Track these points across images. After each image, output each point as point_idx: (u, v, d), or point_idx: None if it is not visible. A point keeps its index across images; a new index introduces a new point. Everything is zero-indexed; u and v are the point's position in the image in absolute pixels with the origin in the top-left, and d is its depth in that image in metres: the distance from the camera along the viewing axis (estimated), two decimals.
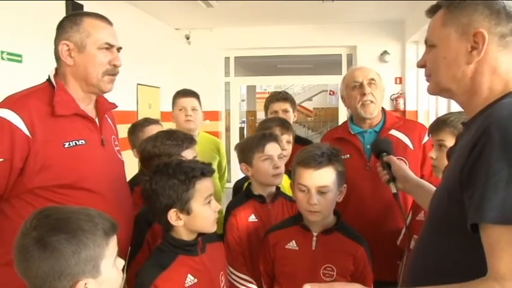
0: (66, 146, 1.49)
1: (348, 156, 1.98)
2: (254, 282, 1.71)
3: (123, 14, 6.19)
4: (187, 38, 8.04)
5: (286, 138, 2.19)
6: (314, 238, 1.56)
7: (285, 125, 2.21)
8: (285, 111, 2.61)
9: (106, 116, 1.73)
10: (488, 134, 0.87)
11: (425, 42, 1.12)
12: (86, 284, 0.97)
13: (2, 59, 3.96)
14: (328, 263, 1.52)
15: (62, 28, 1.56)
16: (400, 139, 1.99)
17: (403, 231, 1.82)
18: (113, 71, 1.61)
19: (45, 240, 0.94)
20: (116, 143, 1.75)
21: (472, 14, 1.01)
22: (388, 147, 1.73)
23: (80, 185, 1.51)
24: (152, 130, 2.22)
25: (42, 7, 3.95)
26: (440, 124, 1.66)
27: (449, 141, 1.60)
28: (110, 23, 1.63)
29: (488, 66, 1.00)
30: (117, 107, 1.78)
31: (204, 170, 1.42)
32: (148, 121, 2.51)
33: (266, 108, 2.74)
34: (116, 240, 1.05)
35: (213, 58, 8.18)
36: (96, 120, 1.64)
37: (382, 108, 2.11)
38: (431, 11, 1.11)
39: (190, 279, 1.37)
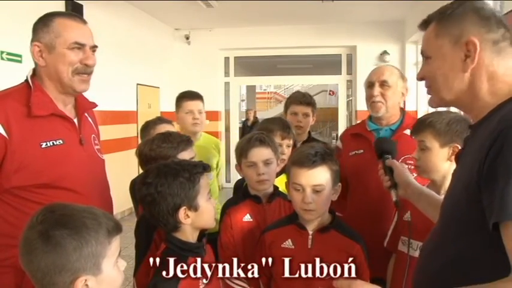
0: (43, 146, 1.50)
1: (362, 151, 2.08)
2: (246, 282, 1.71)
3: (123, 14, 6.19)
4: (187, 38, 8.05)
5: (287, 142, 2.19)
6: (310, 236, 1.57)
7: (286, 130, 2.20)
8: (306, 115, 2.60)
9: (86, 115, 1.74)
10: (506, 134, 0.88)
11: (422, 54, 1.15)
12: (85, 280, 0.98)
13: (2, 59, 3.96)
14: (324, 261, 1.52)
15: (35, 29, 1.57)
16: (413, 139, 2.03)
17: (390, 232, 1.82)
18: (83, 70, 1.58)
19: (49, 234, 0.96)
20: (96, 141, 1.75)
21: (462, 23, 1.03)
22: (391, 148, 1.67)
23: (59, 185, 1.52)
24: (163, 129, 2.21)
25: (42, 7, 3.95)
26: (420, 125, 1.67)
27: (430, 142, 1.63)
28: (83, 22, 1.61)
29: (485, 72, 1.02)
30: (97, 106, 1.78)
31: (204, 165, 1.45)
32: (160, 120, 2.52)
33: (286, 107, 2.72)
34: (118, 240, 1.06)
35: (213, 58, 8.20)
36: (75, 120, 1.65)
37: (401, 108, 2.17)
38: (424, 25, 1.13)
39: (202, 280, 1.38)
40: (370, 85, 2.11)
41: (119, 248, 1.07)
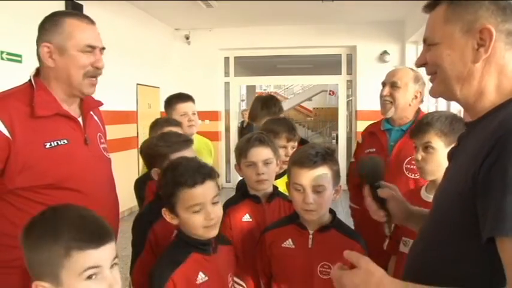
0: (47, 146, 1.49)
1: (374, 150, 2.21)
2: (243, 284, 1.72)
3: (123, 14, 6.19)
4: (187, 38, 8.05)
5: (292, 144, 2.18)
6: (310, 236, 1.56)
7: (291, 132, 2.20)
8: None
9: (92, 113, 1.72)
10: (503, 144, 0.84)
11: (424, 41, 1.07)
12: (37, 285, 0.98)
13: (2, 59, 3.96)
14: (325, 261, 1.52)
15: (43, 29, 1.54)
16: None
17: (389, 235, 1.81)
18: (94, 73, 1.56)
19: (24, 234, 1.02)
20: (102, 140, 1.74)
21: (477, 10, 0.96)
22: (378, 171, 1.40)
23: (64, 185, 1.50)
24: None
25: (42, 7, 3.96)
26: (424, 126, 1.66)
27: (435, 143, 1.62)
28: (91, 22, 1.59)
29: (496, 65, 0.96)
30: (102, 104, 1.77)
31: (189, 180, 1.38)
32: (169, 121, 2.52)
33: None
34: (94, 254, 0.97)
35: (213, 58, 8.20)
36: (80, 119, 1.63)
37: (417, 111, 2.24)
38: (430, 7, 1.06)
39: (201, 276, 1.40)
40: (382, 85, 2.24)
41: (95, 262, 0.97)
